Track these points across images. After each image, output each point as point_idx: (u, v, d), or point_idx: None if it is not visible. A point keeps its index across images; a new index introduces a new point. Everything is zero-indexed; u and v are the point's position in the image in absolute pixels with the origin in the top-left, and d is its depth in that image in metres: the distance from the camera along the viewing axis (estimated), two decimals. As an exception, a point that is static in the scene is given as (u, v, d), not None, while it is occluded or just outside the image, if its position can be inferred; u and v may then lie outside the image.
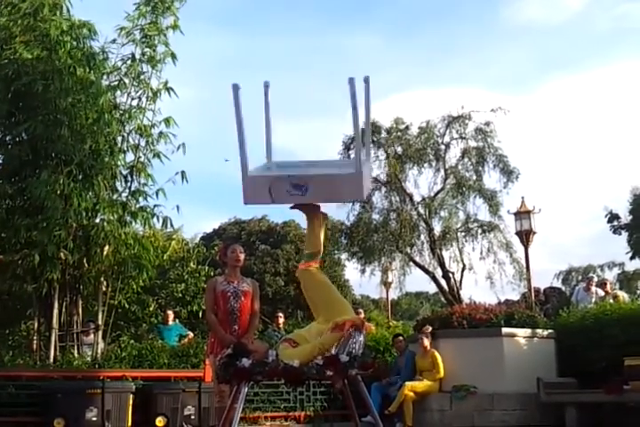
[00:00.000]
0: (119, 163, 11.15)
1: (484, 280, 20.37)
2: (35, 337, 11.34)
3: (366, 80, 5.37)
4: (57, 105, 10.39)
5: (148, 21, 11.32)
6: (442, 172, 20.55)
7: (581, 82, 76.47)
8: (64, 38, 10.63)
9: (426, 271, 20.45)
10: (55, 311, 10.49)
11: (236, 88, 5.26)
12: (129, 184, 11.21)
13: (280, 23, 74.68)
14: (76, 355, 10.28)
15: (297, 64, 72.88)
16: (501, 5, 77.71)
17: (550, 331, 10.60)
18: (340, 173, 5.53)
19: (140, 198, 11.09)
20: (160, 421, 9.02)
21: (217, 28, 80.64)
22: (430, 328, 10.52)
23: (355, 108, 5.25)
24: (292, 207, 5.61)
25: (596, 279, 14.30)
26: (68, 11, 11.22)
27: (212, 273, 16.89)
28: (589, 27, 74.74)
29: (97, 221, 10.83)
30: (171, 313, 13.36)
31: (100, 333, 10.87)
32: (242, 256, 6.75)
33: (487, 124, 20.33)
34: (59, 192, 10.05)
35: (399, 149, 20.56)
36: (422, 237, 20.58)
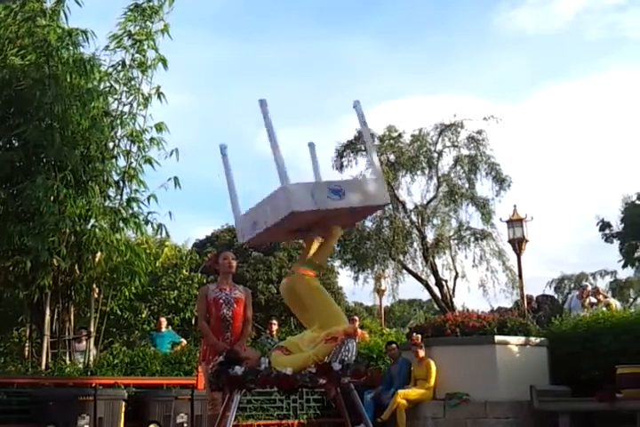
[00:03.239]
0: (111, 169, 11.11)
1: (477, 288, 20.42)
2: (26, 344, 11.28)
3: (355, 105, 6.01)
4: (50, 111, 10.37)
5: (137, 27, 11.33)
6: (434, 179, 20.61)
7: (573, 90, 76.90)
8: (60, 44, 10.63)
9: (419, 279, 20.46)
10: (47, 318, 10.44)
11: (223, 148, 5.85)
12: (121, 190, 11.18)
13: (275, 29, 74.95)
14: (67, 362, 10.22)
15: (292, 70, 73.01)
16: (494, 14, 78.16)
17: (543, 339, 10.61)
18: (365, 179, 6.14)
19: (133, 205, 11.06)
20: (152, 428, 8.97)
21: (211, 33, 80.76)
22: (420, 337, 10.51)
23: (364, 124, 5.81)
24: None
25: (589, 288, 14.34)
26: (66, 17, 11.23)
27: (204, 280, 16.87)
28: (581, 36, 75.25)
29: (89, 227, 10.78)
30: (164, 320, 13.32)
31: (93, 339, 10.81)
32: (234, 263, 6.75)
33: (479, 132, 20.42)
34: (52, 198, 10.02)
35: (392, 157, 20.61)
36: (415, 244, 20.62)
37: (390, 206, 20.67)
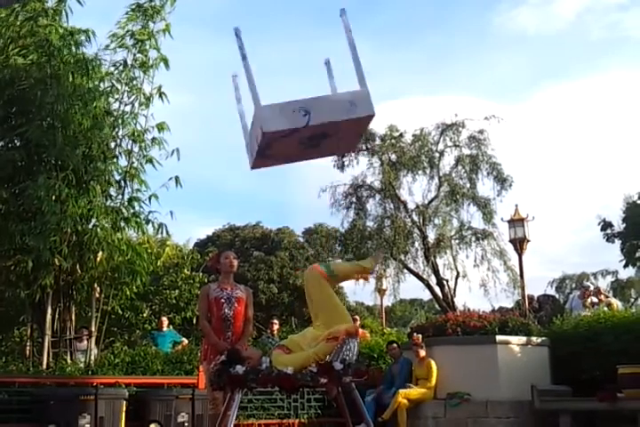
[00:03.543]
0: (112, 168, 11.13)
1: (478, 288, 20.41)
2: (28, 343, 11.30)
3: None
4: (52, 110, 10.38)
5: (139, 26, 11.35)
6: (436, 179, 20.60)
7: (574, 90, 76.84)
8: (62, 44, 10.64)
9: (420, 278, 20.46)
10: (48, 317, 10.45)
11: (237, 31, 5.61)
12: (122, 190, 11.20)
13: (275, 29, 74.87)
14: (69, 361, 10.24)
15: (291, 70, 72.98)
16: (495, 14, 78.09)
17: (544, 338, 10.60)
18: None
19: (135, 204, 11.08)
20: (153, 428, 8.98)
21: (210, 33, 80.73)
22: (421, 337, 10.51)
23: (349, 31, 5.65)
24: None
25: (592, 288, 14.33)
26: (67, 17, 11.24)
27: (205, 280, 16.89)
28: (582, 36, 75.17)
29: (90, 227, 10.80)
30: (165, 320, 13.33)
31: (94, 339, 10.83)
32: (235, 262, 6.75)
33: (481, 132, 20.40)
34: (54, 197, 10.03)
35: (393, 157, 20.61)
36: (416, 244, 20.61)
37: (392, 206, 20.70)
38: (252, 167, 6.11)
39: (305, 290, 5.92)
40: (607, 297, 14.17)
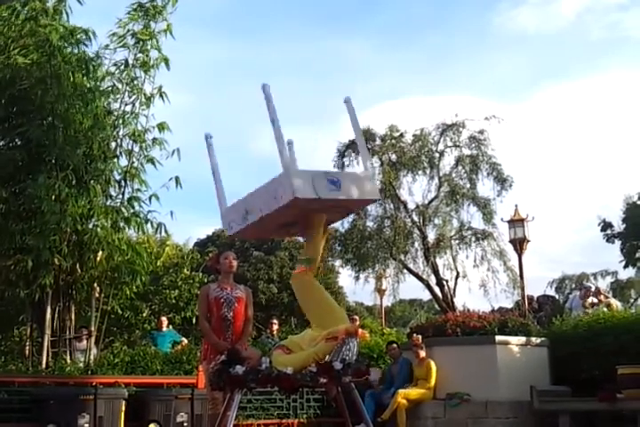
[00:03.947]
0: (112, 168, 11.13)
1: (478, 288, 20.40)
2: (27, 343, 11.30)
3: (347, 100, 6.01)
4: (53, 110, 10.38)
5: (141, 26, 11.35)
6: (436, 179, 20.58)
7: (574, 90, 76.88)
8: (62, 43, 10.65)
9: (420, 279, 20.45)
10: (48, 317, 10.45)
11: (208, 137, 5.77)
12: (123, 190, 11.20)
13: (275, 29, 74.92)
14: (68, 361, 10.24)
15: (292, 70, 72.98)
16: (495, 14, 78.19)
17: (543, 339, 10.60)
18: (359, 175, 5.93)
19: (135, 204, 11.08)
20: (152, 428, 8.98)
21: (210, 33, 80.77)
22: (420, 338, 10.51)
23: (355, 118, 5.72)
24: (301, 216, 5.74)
25: (593, 288, 14.33)
26: (67, 16, 11.25)
27: (205, 280, 16.89)
28: (582, 35, 75.23)
29: (90, 226, 10.81)
30: (165, 319, 13.34)
31: (93, 339, 10.84)
32: (234, 263, 6.75)
33: (481, 132, 20.39)
34: (54, 197, 10.04)
35: (393, 157, 20.59)
36: (416, 244, 20.59)
37: (392, 206, 20.69)
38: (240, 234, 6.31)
39: (298, 298, 5.89)
40: (607, 298, 14.17)
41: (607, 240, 27.49)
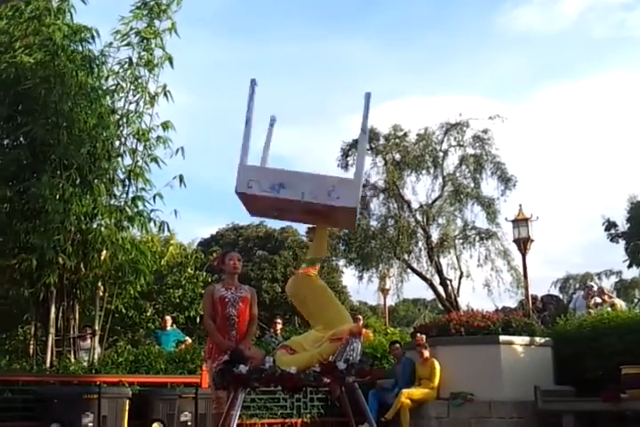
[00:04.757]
0: (117, 167, 11.14)
1: (482, 287, 20.42)
2: (31, 342, 11.30)
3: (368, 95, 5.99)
4: (57, 109, 10.39)
5: (145, 24, 11.35)
6: (440, 179, 20.60)
7: (578, 90, 76.77)
8: (66, 42, 10.66)
9: (423, 278, 20.46)
10: (52, 316, 10.46)
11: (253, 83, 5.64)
12: (127, 189, 11.21)
13: (276, 29, 74.97)
14: (72, 360, 10.24)
15: (292, 70, 72.97)
16: (497, 14, 78.10)
17: (547, 339, 10.60)
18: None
19: (139, 203, 11.08)
20: (156, 427, 8.99)
21: (210, 33, 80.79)
22: (424, 337, 10.50)
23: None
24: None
25: (595, 288, 14.31)
26: (71, 15, 11.25)
27: (209, 279, 16.90)
28: (585, 35, 75.10)
29: (94, 225, 10.82)
30: (169, 319, 13.34)
31: (97, 338, 10.83)
32: (239, 264, 6.78)
33: (485, 131, 20.41)
34: (58, 196, 10.05)
35: (397, 156, 20.61)
36: (420, 244, 20.61)
37: (395, 206, 20.71)
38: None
39: (295, 299, 5.89)
40: (611, 297, 14.14)
41: (611, 240, 27.46)
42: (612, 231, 27.44)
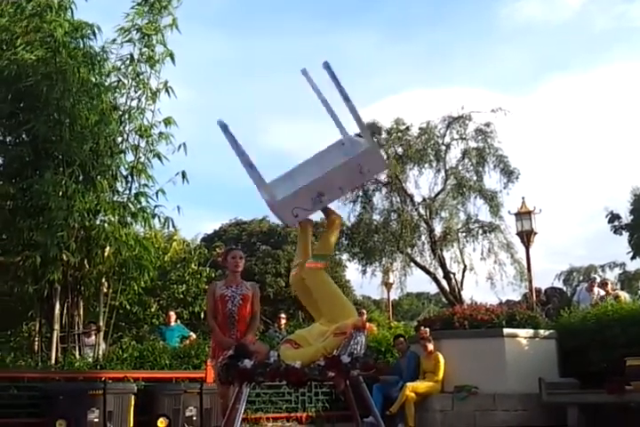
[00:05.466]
0: (119, 163, 11.15)
1: (485, 281, 20.42)
2: (36, 338, 11.34)
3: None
4: (59, 106, 10.39)
5: (146, 21, 11.34)
6: (442, 172, 20.59)
7: (581, 81, 76.57)
8: (67, 39, 10.65)
9: (427, 272, 20.47)
10: (56, 313, 10.49)
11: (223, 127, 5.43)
12: (129, 185, 11.22)
13: (276, 24, 74.77)
14: (77, 356, 10.28)
15: (293, 65, 72.81)
16: (500, 5, 77.87)
17: (552, 331, 10.60)
18: (351, 155, 5.64)
19: (142, 199, 11.09)
20: (162, 422, 9.02)
21: (210, 29, 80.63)
22: (428, 331, 10.52)
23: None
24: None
25: (598, 280, 14.31)
26: (72, 12, 11.25)
27: (213, 274, 16.92)
28: (588, 26, 74.84)
29: (98, 222, 10.83)
30: (173, 314, 13.36)
31: (102, 334, 10.87)
32: (241, 263, 6.82)
33: (487, 124, 20.38)
34: (61, 193, 10.06)
35: (400, 150, 20.60)
36: (423, 237, 20.62)
37: (398, 199, 20.70)
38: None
39: (300, 294, 5.87)
40: (614, 289, 14.14)
41: (615, 232, 27.47)
42: (616, 223, 27.45)
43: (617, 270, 38.91)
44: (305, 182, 5.61)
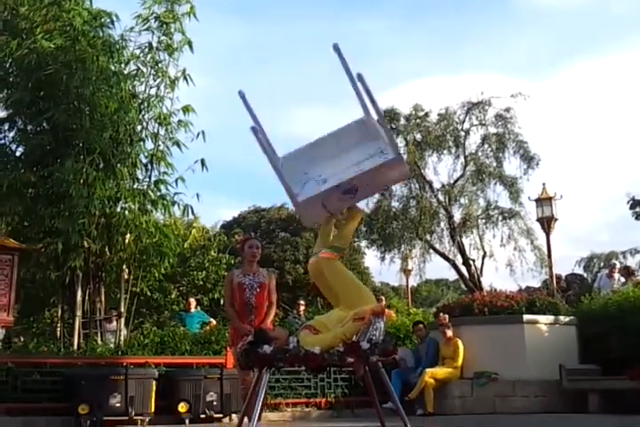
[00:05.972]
0: (139, 151, 11.20)
1: (505, 267, 20.36)
2: (58, 324, 11.48)
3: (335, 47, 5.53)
4: (79, 94, 10.45)
5: (164, 9, 11.34)
6: (461, 158, 20.51)
7: (600, 66, 75.47)
8: (86, 28, 10.69)
9: (446, 258, 20.44)
10: (78, 299, 10.61)
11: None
12: (149, 173, 11.28)
13: (292, 10, 74.35)
14: (99, 342, 10.39)
15: (308, 52, 72.49)
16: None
17: (572, 318, 10.56)
18: (381, 161, 5.60)
19: (161, 187, 11.16)
20: (182, 407, 9.09)
21: (227, 16, 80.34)
22: (447, 317, 10.51)
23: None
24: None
25: (618, 266, 14.22)
26: (90, 0, 11.28)
27: (232, 261, 17.01)
28: (606, 10, 73.64)
29: (118, 209, 10.91)
30: (193, 301, 13.45)
31: (123, 320, 10.97)
32: (258, 253, 6.89)
33: (507, 110, 20.24)
34: (82, 181, 10.14)
35: (418, 136, 20.53)
36: (442, 224, 20.59)
37: (417, 186, 20.65)
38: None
39: (318, 282, 5.88)
40: (636, 276, 14.05)
41: (636, 218, 27.21)
42: (637, 209, 27.18)
43: (638, 257, 38.59)
44: (327, 177, 5.65)
